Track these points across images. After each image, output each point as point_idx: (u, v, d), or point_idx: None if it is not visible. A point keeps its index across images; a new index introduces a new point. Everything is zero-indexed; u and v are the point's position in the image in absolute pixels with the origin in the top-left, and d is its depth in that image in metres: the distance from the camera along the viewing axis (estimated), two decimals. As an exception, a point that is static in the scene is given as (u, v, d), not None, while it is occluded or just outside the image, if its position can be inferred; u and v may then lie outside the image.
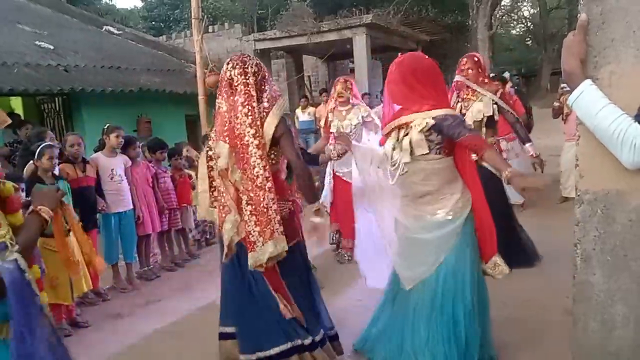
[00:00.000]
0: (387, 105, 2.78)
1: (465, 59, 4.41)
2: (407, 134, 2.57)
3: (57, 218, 2.01)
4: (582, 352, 1.81)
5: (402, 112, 2.64)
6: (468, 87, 4.32)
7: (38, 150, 3.98)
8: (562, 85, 7.15)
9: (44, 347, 1.68)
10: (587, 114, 1.58)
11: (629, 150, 1.49)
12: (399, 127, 2.64)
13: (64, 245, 2.20)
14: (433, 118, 2.49)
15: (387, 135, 2.73)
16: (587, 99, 1.57)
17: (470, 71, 4.30)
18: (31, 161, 4.10)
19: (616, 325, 1.71)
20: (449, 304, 2.54)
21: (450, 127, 2.46)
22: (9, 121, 1.93)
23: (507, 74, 8.11)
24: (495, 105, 4.20)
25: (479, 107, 4.21)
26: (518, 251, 4.30)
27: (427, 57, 2.76)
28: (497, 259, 2.69)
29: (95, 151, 5.03)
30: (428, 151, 2.54)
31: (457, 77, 4.44)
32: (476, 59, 4.41)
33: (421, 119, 2.51)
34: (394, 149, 2.62)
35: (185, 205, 5.79)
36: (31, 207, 1.81)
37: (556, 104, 6.92)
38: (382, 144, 2.84)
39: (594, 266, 1.73)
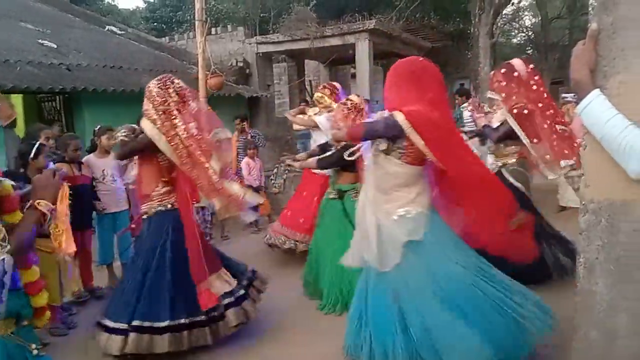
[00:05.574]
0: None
1: (493, 73, 4.22)
2: None
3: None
4: (584, 362, 1.81)
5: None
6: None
7: (35, 149, 3.97)
8: (564, 95, 7.18)
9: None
10: (595, 124, 1.58)
11: (637, 161, 1.50)
12: None
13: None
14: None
15: None
16: (595, 109, 1.57)
17: (498, 84, 4.06)
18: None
19: (619, 335, 1.70)
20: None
21: None
22: (15, 115, 1.88)
23: None
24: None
25: (497, 117, 4.22)
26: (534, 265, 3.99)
27: (420, 59, 2.82)
28: None
29: (87, 152, 5.02)
30: (386, 148, 2.68)
31: (488, 94, 4.33)
32: (503, 70, 4.08)
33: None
34: None
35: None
36: (30, 202, 1.72)
37: (558, 113, 6.93)
38: None
39: (597, 275, 1.73)
